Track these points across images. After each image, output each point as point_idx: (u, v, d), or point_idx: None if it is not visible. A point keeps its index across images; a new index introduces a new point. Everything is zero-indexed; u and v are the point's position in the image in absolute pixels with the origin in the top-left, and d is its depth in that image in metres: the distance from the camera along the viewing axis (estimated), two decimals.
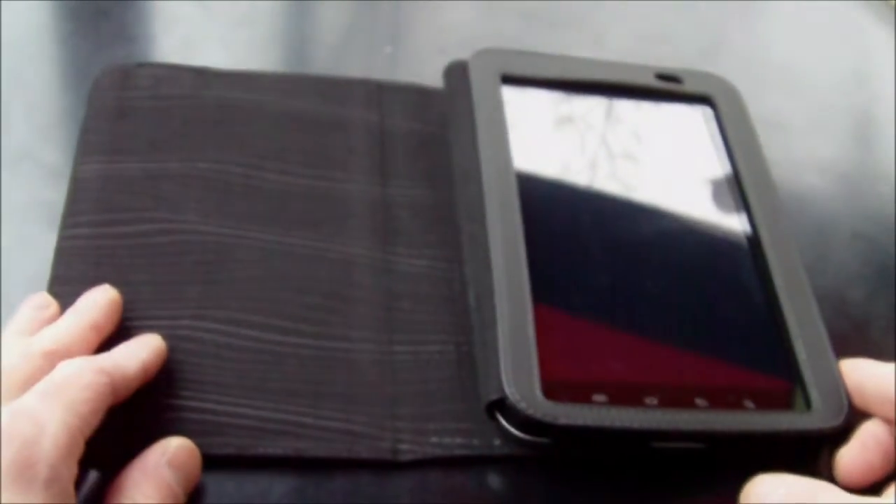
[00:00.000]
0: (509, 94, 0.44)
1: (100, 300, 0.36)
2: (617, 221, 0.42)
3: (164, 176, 0.42)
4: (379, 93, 0.47)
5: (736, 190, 0.43)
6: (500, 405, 0.34)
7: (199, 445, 0.34)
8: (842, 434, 0.36)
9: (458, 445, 0.36)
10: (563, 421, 0.34)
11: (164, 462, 0.32)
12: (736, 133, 0.45)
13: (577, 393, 0.35)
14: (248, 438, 0.35)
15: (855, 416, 0.36)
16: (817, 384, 0.36)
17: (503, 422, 0.35)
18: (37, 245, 0.40)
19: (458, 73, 0.45)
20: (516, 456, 0.36)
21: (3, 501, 0.26)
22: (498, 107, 0.43)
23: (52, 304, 0.36)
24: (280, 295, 0.39)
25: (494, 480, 0.36)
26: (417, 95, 0.47)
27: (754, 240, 0.41)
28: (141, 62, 0.47)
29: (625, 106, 0.46)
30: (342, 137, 0.45)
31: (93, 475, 0.30)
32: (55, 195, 0.42)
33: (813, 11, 0.60)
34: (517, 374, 0.34)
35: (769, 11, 0.60)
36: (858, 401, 0.36)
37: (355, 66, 0.50)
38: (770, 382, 0.37)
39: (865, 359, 0.37)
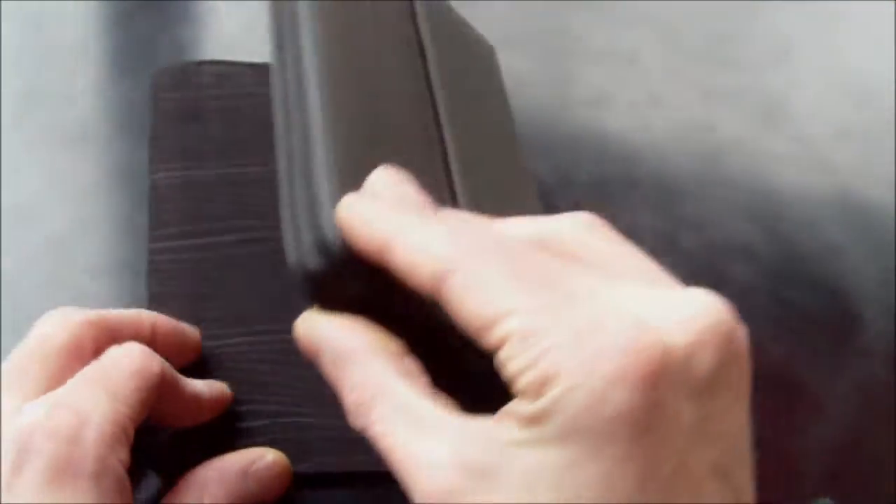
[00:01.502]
0: None
1: (164, 321, 0.33)
2: None
3: (244, 181, 0.40)
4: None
5: None
6: None
7: (343, 465, 0.33)
8: None
9: None
10: None
11: (247, 472, 0.30)
12: None
13: None
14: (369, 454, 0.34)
15: None
16: None
17: None
18: (97, 228, 0.40)
19: None
20: None
21: (47, 503, 0.25)
22: None
23: None
24: None
25: None
26: None
27: None
28: (199, 60, 0.45)
29: None
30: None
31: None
32: (114, 177, 0.41)
33: (884, 20, 0.58)
34: None
35: (840, 19, 0.58)
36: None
37: None
38: None
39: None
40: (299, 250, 0.26)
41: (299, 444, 0.33)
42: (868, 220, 0.47)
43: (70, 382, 0.27)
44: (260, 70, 0.44)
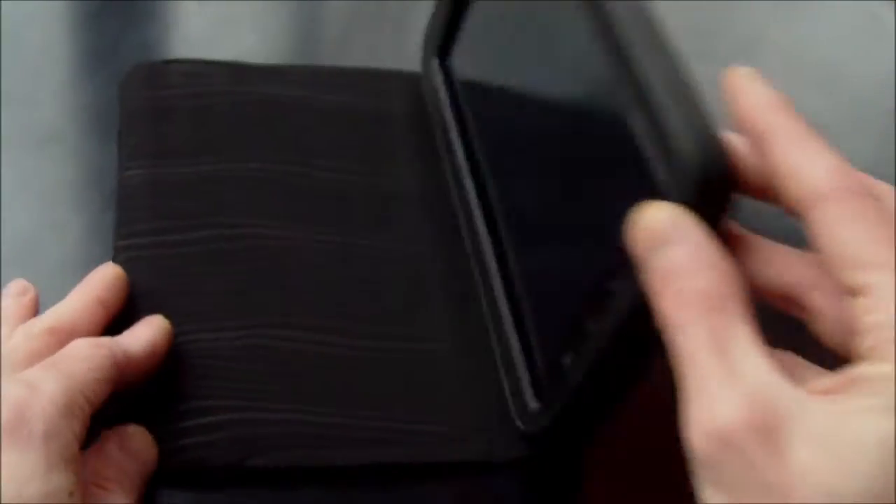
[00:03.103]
0: None
1: (103, 276, 0.35)
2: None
3: (216, 178, 0.40)
4: (418, 84, 0.45)
5: None
6: None
7: (310, 458, 0.33)
8: None
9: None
10: None
11: (117, 448, 0.31)
12: None
13: None
14: (356, 448, 0.34)
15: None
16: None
17: None
18: (64, 228, 0.39)
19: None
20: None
21: (2, 460, 0.27)
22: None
23: (30, 290, 0.35)
24: (355, 298, 0.38)
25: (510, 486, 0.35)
26: None
27: None
28: (169, 59, 0.45)
29: None
30: (386, 131, 0.43)
31: None
32: (82, 176, 0.40)
33: (851, 11, 0.59)
34: None
35: (808, 10, 0.59)
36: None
37: (378, 55, 0.49)
38: None
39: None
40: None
41: (253, 440, 0.33)
42: None
43: (29, 369, 0.30)
44: (231, 68, 0.44)
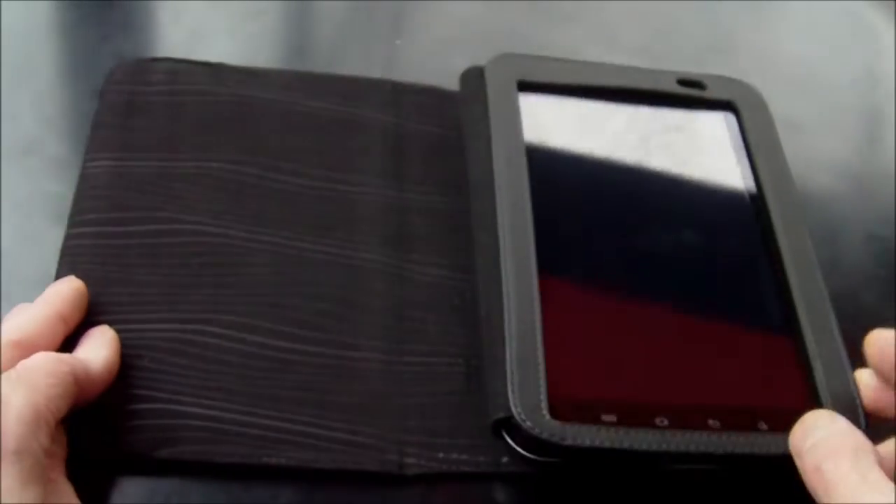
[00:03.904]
0: (526, 101, 0.43)
1: (65, 291, 0.35)
2: (634, 236, 0.41)
3: (175, 175, 0.41)
4: (395, 94, 0.46)
5: (757, 201, 0.42)
6: (507, 424, 0.34)
7: (204, 454, 0.34)
8: None
9: (464, 462, 0.35)
10: (569, 442, 0.33)
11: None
12: (759, 141, 0.44)
13: (585, 413, 0.34)
14: (253, 447, 0.34)
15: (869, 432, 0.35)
16: (834, 405, 0.36)
17: (510, 441, 0.34)
18: (41, 240, 0.40)
19: (474, 78, 0.44)
20: (524, 473, 0.35)
21: None
22: (514, 114, 0.42)
23: None
24: (289, 301, 0.38)
25: (501, 495, 0.36)
26: (434, 98, 0.46)
27: (775, 254, 0.40)
28: (155, 57, 0.46)
29: (645, 112, 0.45)
30: (357, 139, 0.44)
31: None
32: (60, 188, 0.41)
33: (825, 10, 0.59)
34: (524, 392, 0.34)
35: (781, 9, 0.59)
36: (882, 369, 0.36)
37: (363, 60, 0.49)
38: (786, 403, 0.36)
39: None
40: None
41: (172, 430, 0.34)
42: (818, 209, 0.48)
43: None
44: (211, 69, 0.45)
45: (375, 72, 0.48)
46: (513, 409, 0.33)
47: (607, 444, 0.33)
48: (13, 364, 0.31)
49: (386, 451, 0.35)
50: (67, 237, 0.38)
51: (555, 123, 0.43)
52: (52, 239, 0.39)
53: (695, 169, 0.43)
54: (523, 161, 0.41)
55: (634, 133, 0.44)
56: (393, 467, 0.35)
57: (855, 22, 0.59)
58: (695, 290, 0.40)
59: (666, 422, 0.34)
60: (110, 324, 0.36)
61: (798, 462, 0.31)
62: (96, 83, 0.44)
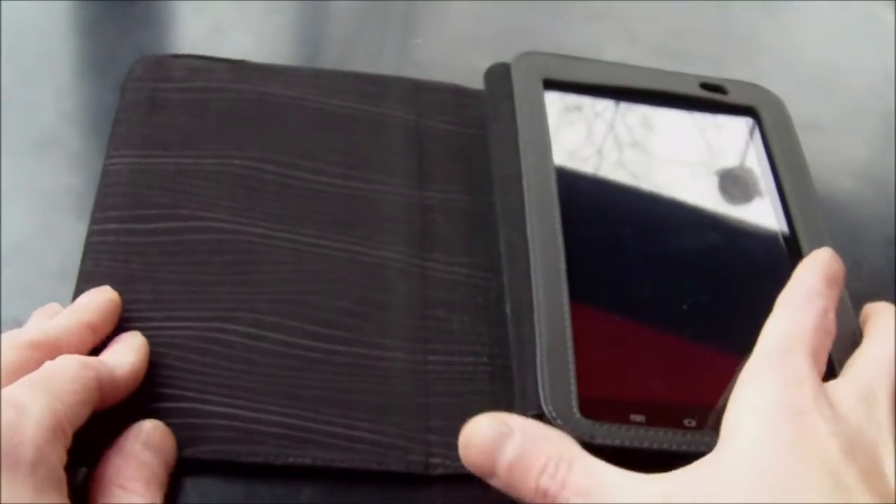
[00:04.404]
0: (552, 99, 0.43)
1: (97, 300, 0.35)
2: (659, 234, 0.41)
3: (196, 172, 0.40)
4: (416, 92, 0.46)
5: (780, 206, 0.42)
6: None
7: (227, 453, 0.33)
8: None
9: None
10: (599, 441, 0.33)
11: (140, 445, 0.31)
12: (780, 146, 0.44)
13: (615, 412, 0.34)
14: (276, 447, 0.34)
15: None
16: None
17: None
18: (62, 233, 0.40)
19: (499, 75, 0.44)
20: None
21: None
22: (540, 112, 0.42)
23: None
24: (312, 299, 0.38)
25: None
26: (455, 96, 0.46)
27: (797, 258, 0.40)
28: (176, 53, 0.45)
29: (668, 115, 0.45)
30: (379, 137, 0.44)
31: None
32: (81, 182, 0.41)
33: (845, 12, 0.59)
34: (554, 390, 0.34)
35: (802, 11, 0.59)
36: None
37: (382, 57, 0.49)
38: None
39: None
40: None
41: (195, 429, 0.34)
42: (839, 212, 0.48)
43: (12, 385, 0.29)
44: (233, 66, 0.45)
45: (395, 70, 0.48)
46: (544, 406, 0.33)
47: (637, 444, 0.33)
48: (33, 366, 0.30)
49: (411, 451, 0.35)
50: (90, 234, 0.38)
51: (579, 122, 0.43)
52: (73, 232, 0.39)
53: (717, 174, 0.44)
54: (551, 158, 0.40)
55: (658, 134, 0.44)
56: (418, 468, 0.35)
57: (875, 24, 0.59)
58: (722, 291, 0.40)
59: (694, 423, 0.34)
60: (132, 321, 0.35)
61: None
62: (117, 77, 0.44)
